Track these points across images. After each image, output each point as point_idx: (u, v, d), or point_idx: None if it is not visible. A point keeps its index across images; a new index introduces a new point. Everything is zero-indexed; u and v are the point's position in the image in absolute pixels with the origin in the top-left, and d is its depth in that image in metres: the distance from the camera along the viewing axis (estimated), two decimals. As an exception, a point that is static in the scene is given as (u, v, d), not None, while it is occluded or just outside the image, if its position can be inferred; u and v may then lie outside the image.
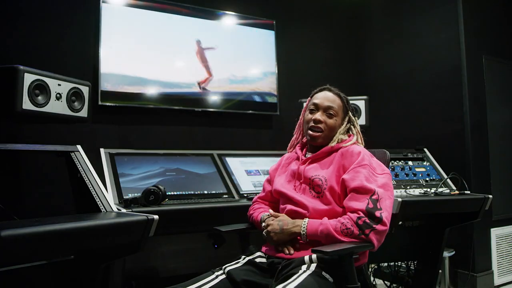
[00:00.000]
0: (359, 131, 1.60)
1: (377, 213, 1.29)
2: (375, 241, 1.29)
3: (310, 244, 1.37)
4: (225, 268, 1.42)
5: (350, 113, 1.59)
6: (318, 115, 1.53)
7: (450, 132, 2.82)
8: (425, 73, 3.04)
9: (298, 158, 1.61)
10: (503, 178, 2.89)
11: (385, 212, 1.31)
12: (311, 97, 1.61)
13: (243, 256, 1.50)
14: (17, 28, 2.28)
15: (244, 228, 1.65)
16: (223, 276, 1.38)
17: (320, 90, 1.61)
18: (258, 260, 1.47)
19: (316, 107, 1.55)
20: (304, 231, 1.38)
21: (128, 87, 2.56)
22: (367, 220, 1.29)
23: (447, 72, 2.88)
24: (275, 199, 1.65)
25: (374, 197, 1.33)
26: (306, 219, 1.40)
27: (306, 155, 1.59)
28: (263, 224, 1.51)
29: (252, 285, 1.34)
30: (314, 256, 1.34)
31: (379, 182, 1.39)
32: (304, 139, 1.65)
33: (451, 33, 2.86)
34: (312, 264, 1.33)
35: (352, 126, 1.59)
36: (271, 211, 1.57)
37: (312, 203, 1.44)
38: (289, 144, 1.72)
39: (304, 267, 1.32)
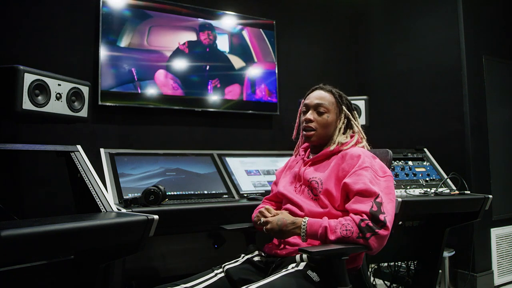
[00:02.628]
0: (360, 129, 1.56)
1: (381, 217, 1.26)
2: (376, 245, 1.26)
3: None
4: (224, 266, 1.43)
5: (344, 108, 1.54)
6: (309, 115, 1.52)
7: (450, 132, 2.82)
8: (425, 73, 3.04)
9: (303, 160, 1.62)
10: (503, 178, 2.89)
11: (389, 216, 1.29)
12: (304, 99, 1.60)
13: (242, 255, 1.51)
14: (17, 28, 2.28)
15: (247, 227, 1.65)
16: (222, 275, 1.40)
17: (312, 90, 1.59)
18: (256, 258, 1.48)
19: (307, 107, 1.55)
20: (304, 233, 1.34)
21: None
22: (370, 224, 1.25)
23: (447, 72, 2.88)
24: (280, 200, 1.66)
25: (378, 200, 1.30)
26: (306, 219, 1.35)
27: (309, 157, 1.59)
28: (262, 219, 1.43)
29: (248, 284, 1.33)
30: (305, 255, 1.32)
31: (382, 185, 1.36)
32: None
33: (451, 33, 2.86)
34: (301, 263, 1.32)
35: (352, 123, 1.55)
36: (269, 208, 1.51)
37: (308, 205, 1.44)
38: (295, 148, 1.73)
39: (291, 266, 1.32)
